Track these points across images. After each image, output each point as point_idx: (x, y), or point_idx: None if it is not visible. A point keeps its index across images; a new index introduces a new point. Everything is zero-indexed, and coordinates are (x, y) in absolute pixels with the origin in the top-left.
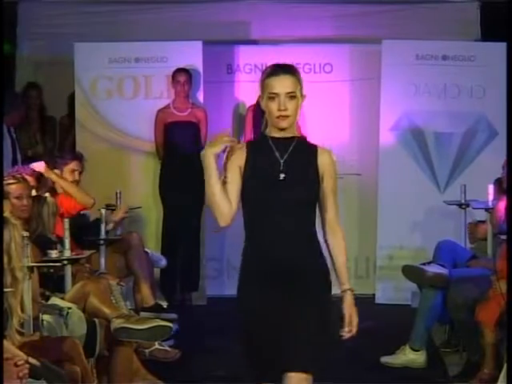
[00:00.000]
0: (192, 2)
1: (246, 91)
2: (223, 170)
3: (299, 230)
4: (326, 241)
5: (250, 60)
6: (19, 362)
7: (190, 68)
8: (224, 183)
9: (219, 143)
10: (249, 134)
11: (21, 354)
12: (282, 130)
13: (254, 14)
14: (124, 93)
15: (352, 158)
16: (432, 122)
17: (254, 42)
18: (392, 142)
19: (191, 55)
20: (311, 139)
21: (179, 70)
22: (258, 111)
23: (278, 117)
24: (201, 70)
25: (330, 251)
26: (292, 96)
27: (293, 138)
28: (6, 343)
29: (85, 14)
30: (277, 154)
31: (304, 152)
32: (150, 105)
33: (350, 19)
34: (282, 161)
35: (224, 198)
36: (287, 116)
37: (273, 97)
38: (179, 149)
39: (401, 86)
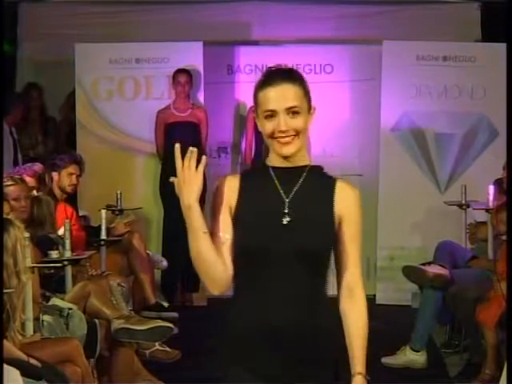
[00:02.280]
0: (193, 3)
1: (247, 92)
2: (210, 213)
3: (307, 289)
4: (340, 307)
5: (251, 61)
6: None
7: (190, 68)
8: (212, 235)
9: (196, 181)
10: (250, 136)
11: (22, 354)
12: (287, 157)
13: (255, 15)
14: (125, 93)
15: (353, 158)
16: (432, 122)
17: (255, 43)
18: (392, 142)
19: (192, 56)
20: (311, 140)
21: (180, 71)
22: None
23: (277, 141)
24: (201, 70)
25: (344, 321)
26: (295, 112)
27: (303, 167)
28: (6, 344)
29: (85, 14)
30: (280, 191)
31: (317, 187)
32: (150, 105)
33: (351, 20)
34: (287, 200)
35: (215, 257)
36: (290, 139)
37: (270, 115)
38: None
39: (401, 87)
